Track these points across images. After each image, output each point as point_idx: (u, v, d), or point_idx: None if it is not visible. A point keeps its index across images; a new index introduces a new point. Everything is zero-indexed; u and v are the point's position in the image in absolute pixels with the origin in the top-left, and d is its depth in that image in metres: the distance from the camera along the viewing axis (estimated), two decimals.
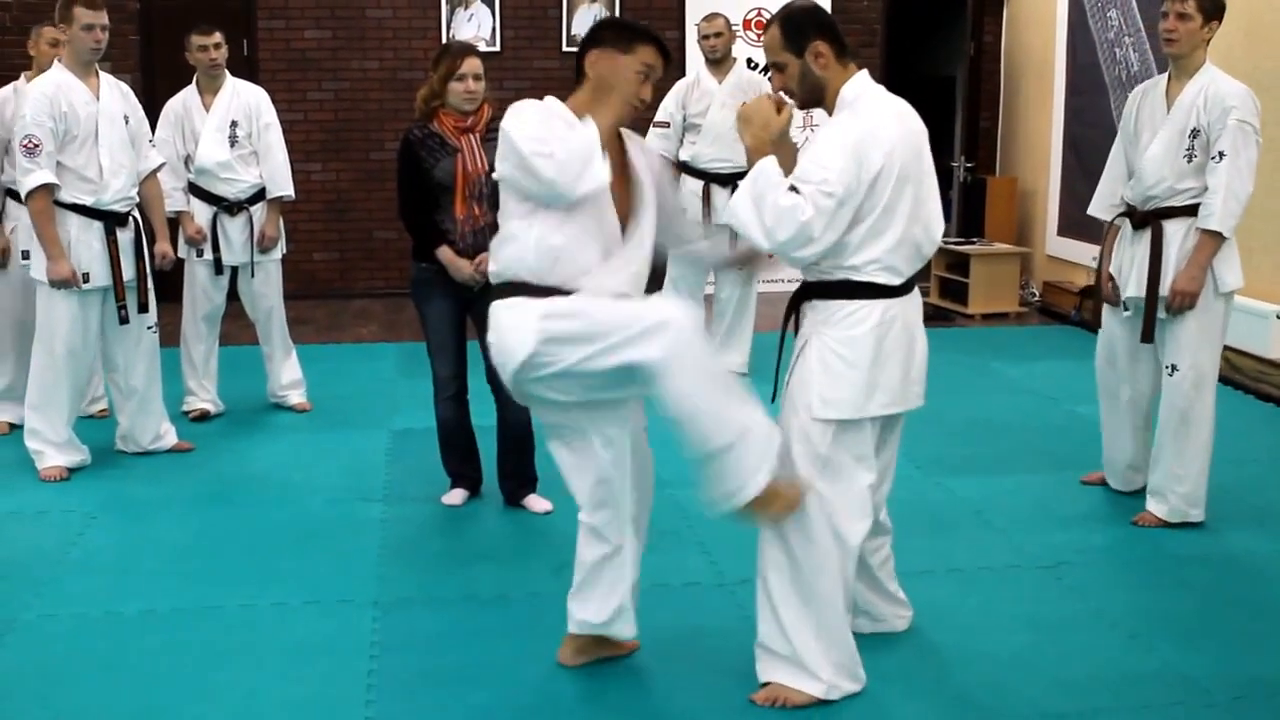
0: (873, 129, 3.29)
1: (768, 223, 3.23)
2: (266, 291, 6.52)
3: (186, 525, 4.98)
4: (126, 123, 5.48)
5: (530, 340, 3.23)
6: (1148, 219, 4.81)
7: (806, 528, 3.41)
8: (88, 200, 5.35)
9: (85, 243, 5.36)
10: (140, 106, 5.68)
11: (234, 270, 6.44)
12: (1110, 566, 4.56)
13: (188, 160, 6.31)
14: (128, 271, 5.46)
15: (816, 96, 3.42)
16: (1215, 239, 4.65)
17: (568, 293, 3.30)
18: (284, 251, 6.62)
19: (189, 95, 6.38)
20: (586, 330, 3.20)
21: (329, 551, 4.65)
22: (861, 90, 3.38)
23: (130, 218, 5.52)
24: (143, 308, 5.56)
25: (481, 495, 5.21)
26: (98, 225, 5.38)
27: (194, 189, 6.33)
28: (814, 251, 3.26)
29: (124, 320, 5.49)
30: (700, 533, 4.83)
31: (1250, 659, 3.81)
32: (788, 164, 3.32)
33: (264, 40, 9.61)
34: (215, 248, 6.33)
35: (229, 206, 6.35)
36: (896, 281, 3.39)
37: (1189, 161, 4.67)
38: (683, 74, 8.96)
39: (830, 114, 3.44)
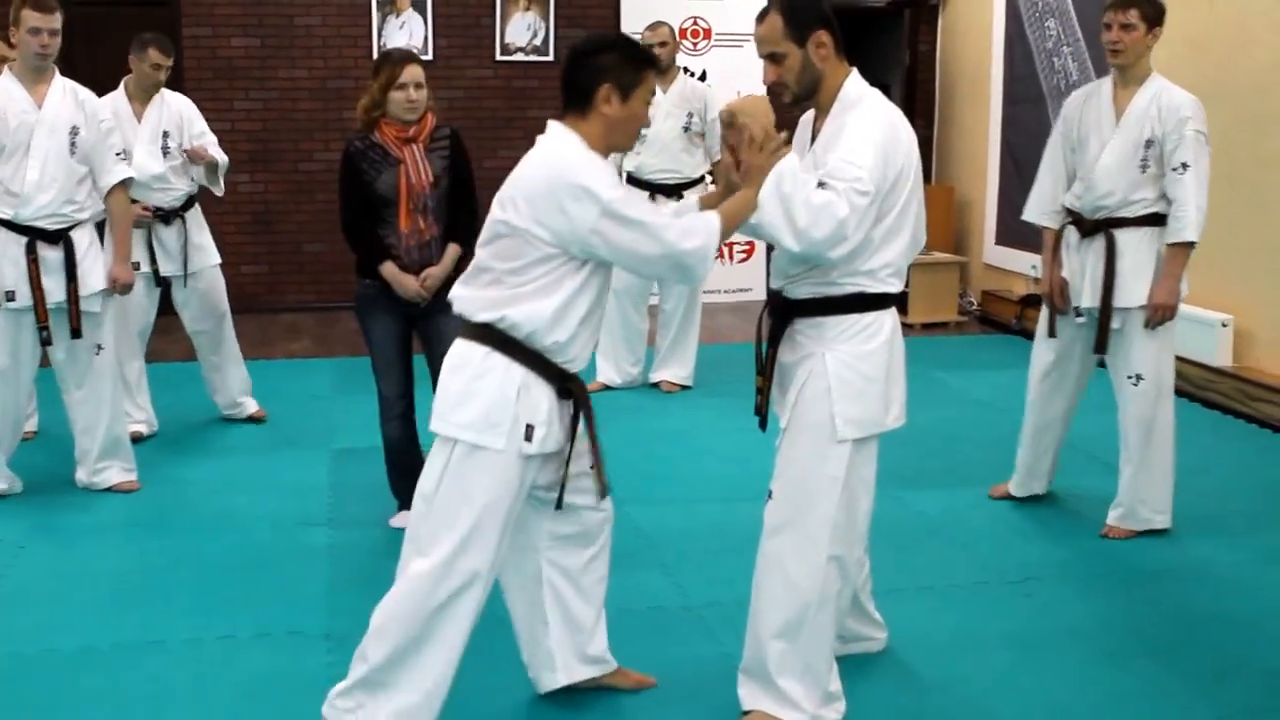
0: (894, 126, 3.22)
1: (801, 223, 3.08)
2: (216, 299, 6.33)
3: (123, 554, 4.75)
4: (75, 134, 5.12)
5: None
6: (1098, 227, 4.78)
7: (809, 556, 3.29)
8: (7, 214, 5.06)
9: (11, 259, 5.06)
10: (107, 117, 5.31)
11: (167, 284, 6.20)
12: (1079, 581, 4.49)
13: None
14: (55, 293, 5.11)
15: (812, 91, 3.30)
16: (1187, 250, 4.66)
17: (548, 363, 3.14)
18: (219, 260, 6.41)
19: (119, 102, 6.04)
20: None
21: (276, 580, 4.45)
22: (865, 89, 3.30)
23: (63, 236, 5.13)
24: (74, 333, 5.17)
25: None
26: (23, 241, 5.08)
27: None
28: (844, 251, 3.14)
29: (45, 342, 5.15)
30: (661, 552, 4.71)
31: (1230, 675, 3.76)
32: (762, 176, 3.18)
33: (189, 48, 9.33)
34: (152, 259, 6.09)
35: (164, 216, 6.12)
36: (900, 287, 3.32)
37: (1143, 171, 4.67)
38: None
39: (821, 111, 3.34)
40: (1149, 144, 4.65)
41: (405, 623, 3.14)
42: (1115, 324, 4.77)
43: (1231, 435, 6.41)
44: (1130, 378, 4.79)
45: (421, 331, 4.84)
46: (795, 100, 3.33)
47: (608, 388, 7.20)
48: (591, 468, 3.36)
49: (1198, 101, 4.68)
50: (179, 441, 6.20)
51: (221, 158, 6.23)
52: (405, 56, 4.78)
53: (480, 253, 3.17)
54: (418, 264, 4.70)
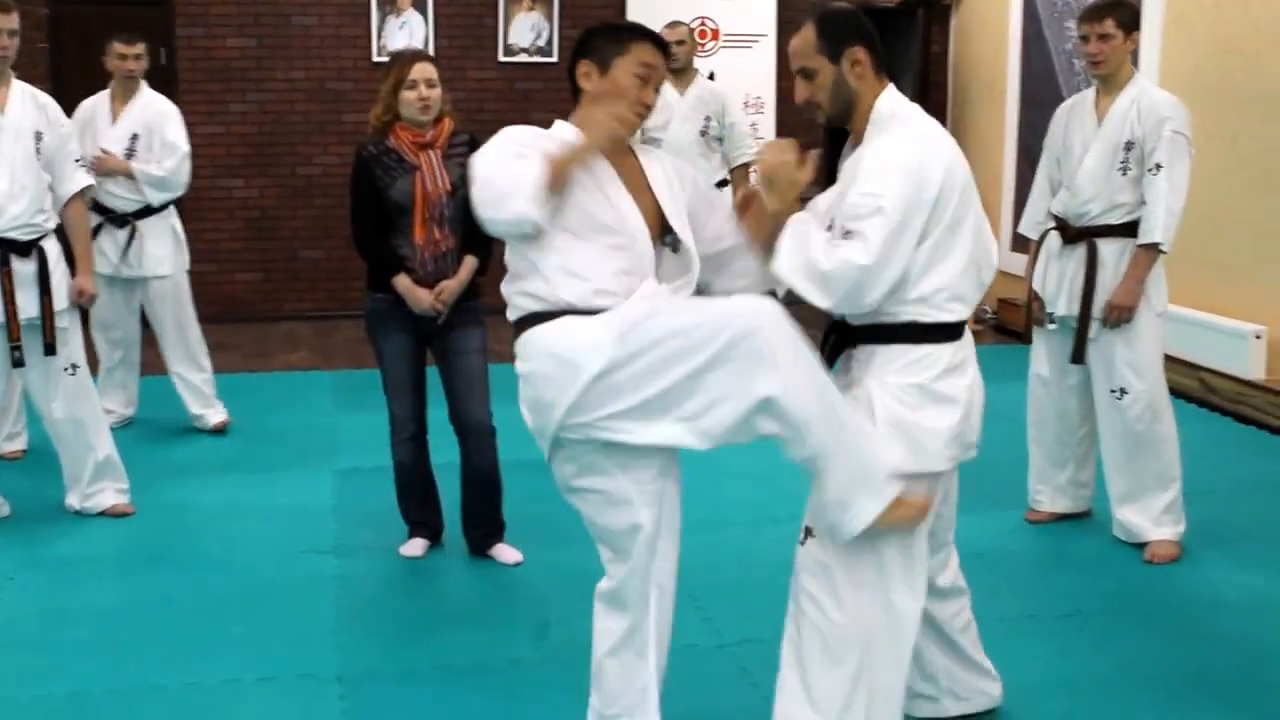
0: (926, 143, 2.94)
1: (821, 292, 2.88)
2: (160, 310, 6.24)
3: (117, 587, 4.48)
4: (39, 139, 4.88)
5: (599, 355, 2.79)
6: (1081, 235, 4.72)
7: (866, 600, 2.98)
8: None
9: None
10: (66, 123, 5.08)
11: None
12: (1131, 614, 4.24)
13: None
14: (28, 308, 4.80)
15: (846, 112, 3.04)
16: (1153, 253, 4.58)
17: (588, 311, 2.88)
18: (169, 273, 6.21)
19: (99, 101, 6.12)
20: (663, 346, 2.76)
21: (280, 616, 4.18)
22: (896, 103, 3.02)
23: (35, 247, 4.84)
24: (49, 349, 4.85)
25: (443, 544, 4.75)
26: None
27: None
28: (878, 295, 2.87)
29: (18, 363, 4.83)
30: (691, 585, 4.39)
31: None
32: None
33: (183, 49, 9.06)
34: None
35: (115, 219, 6.04)
36: (966, 313, 3.03)
37: (1124, 174, 4.62)
38: None
39: (856, 135, 3.07)
40: (1129, 146, 4.59)
41: None
42: (1091, 334, 4.70)
43: (1268, 451, 6.16)
44: (1114, 392, 4.70)
45: (436, 348, 4.58)
46: (829, 122, 3.09)
47: None
48: None
49: (1179, 102, 4.63)
50: (174, 460, 5.93)
51: (149, 171, 6.04)
52: (414, 55, 4.59)
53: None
54: (433, 276, 4.44)
